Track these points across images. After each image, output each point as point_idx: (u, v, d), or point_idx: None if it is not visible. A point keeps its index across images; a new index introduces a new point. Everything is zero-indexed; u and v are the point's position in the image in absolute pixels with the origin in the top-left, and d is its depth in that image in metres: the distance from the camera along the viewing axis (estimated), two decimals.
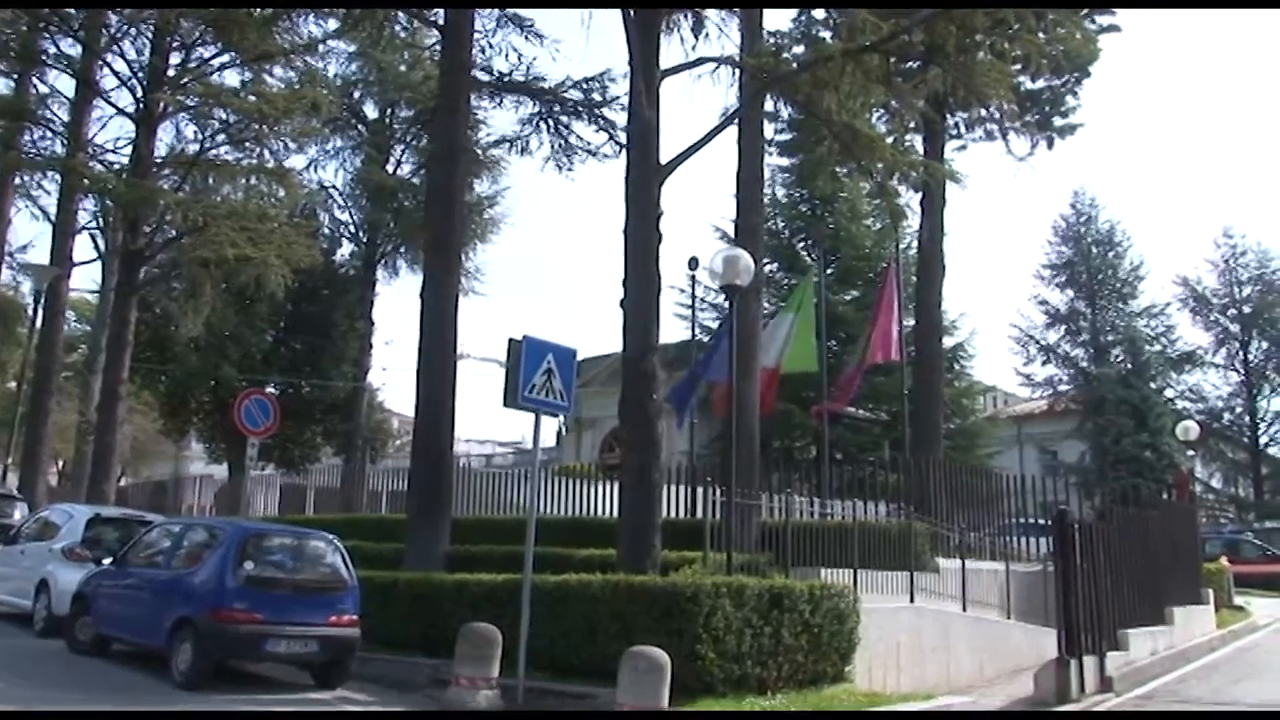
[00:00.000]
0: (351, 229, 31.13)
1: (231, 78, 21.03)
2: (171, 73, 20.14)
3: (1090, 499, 27.59)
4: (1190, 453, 28.62)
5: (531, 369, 9.09)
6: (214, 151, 20.60)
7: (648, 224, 10.98)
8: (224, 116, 20.34)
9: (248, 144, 20.76)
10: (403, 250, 30.31)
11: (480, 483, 18.21)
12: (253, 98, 19.77)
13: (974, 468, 18.14)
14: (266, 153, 21.02)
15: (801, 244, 30.71)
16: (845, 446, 24.22)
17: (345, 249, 31.43)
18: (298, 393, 29.43)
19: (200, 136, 20.75)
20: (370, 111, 30.38)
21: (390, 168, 30.09)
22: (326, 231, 30.20)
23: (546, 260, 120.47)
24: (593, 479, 16.95)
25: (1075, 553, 10.94)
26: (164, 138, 27.44)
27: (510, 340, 9.16)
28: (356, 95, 29.74)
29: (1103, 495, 27.75)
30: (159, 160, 20.18)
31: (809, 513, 12.60)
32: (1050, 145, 22.82)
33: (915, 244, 24.62)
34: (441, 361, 12.95)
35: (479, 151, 25.86)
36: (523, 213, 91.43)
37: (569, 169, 15.48)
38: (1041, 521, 16.01)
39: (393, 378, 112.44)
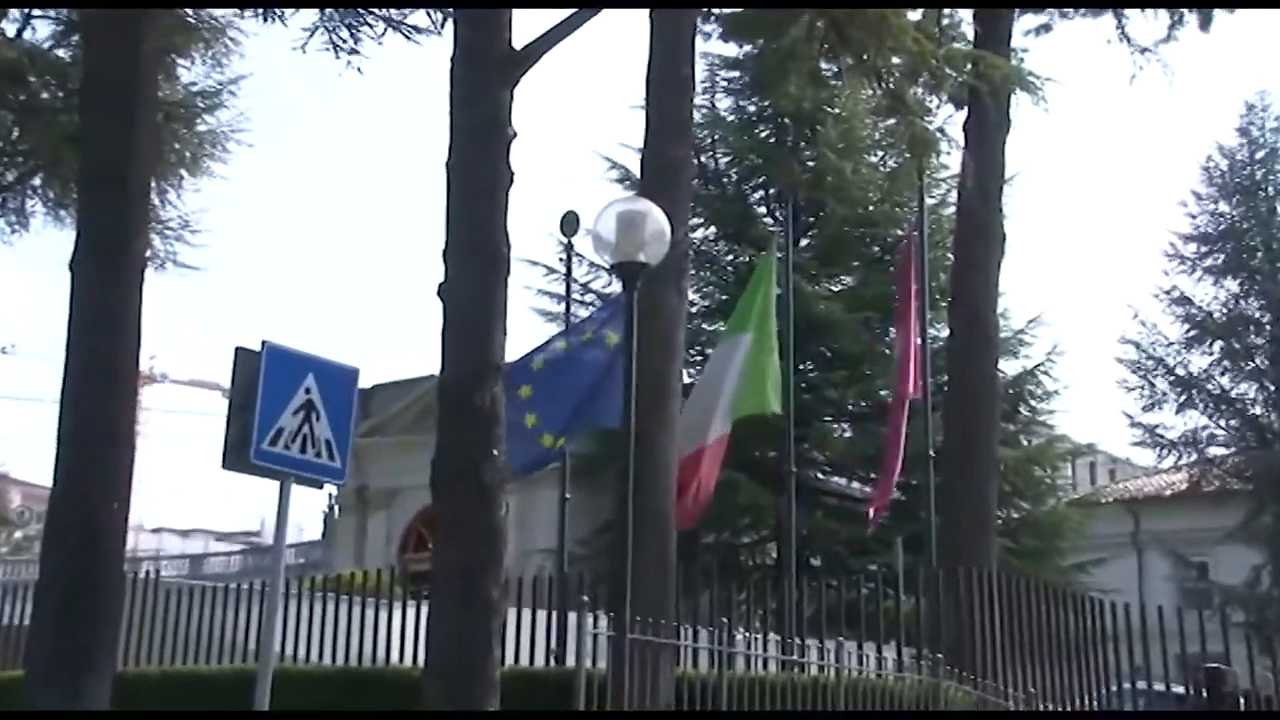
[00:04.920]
0: None
1: None
2: None
3: (1269, 651, 28.22)
4: None
5: (277, 401, 9.19)
6: None
7: (487, 153, 11.16)
8: None
9: None
10: (38, 185, 29.83)
11: (178, 605, 18.08)
12: None
13: (1054, 588, 18.67)
14: None
15: (759, 195, 31.49)
16: (827, 543, 24.66)
17: None
18: None
19: None
20: None
21: (10, 29, 29.66)
22: None
23: (314, 213, 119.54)
24: (385, 598, 16.99)
25: None
26: None
27: (239, 350, 9.26)
28: None
29: None
30: None
31: (763, 659, 12.91)
32: (1205, 25, 22.87)
33: (954, 199, 25.30)
34: (107, 387, 12.85)
35: (186, 12, 25.74)
36: (272, 127, 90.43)
37: (352, 50, 15.57)
38: (1179, 689, 16.60)
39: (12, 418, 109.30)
